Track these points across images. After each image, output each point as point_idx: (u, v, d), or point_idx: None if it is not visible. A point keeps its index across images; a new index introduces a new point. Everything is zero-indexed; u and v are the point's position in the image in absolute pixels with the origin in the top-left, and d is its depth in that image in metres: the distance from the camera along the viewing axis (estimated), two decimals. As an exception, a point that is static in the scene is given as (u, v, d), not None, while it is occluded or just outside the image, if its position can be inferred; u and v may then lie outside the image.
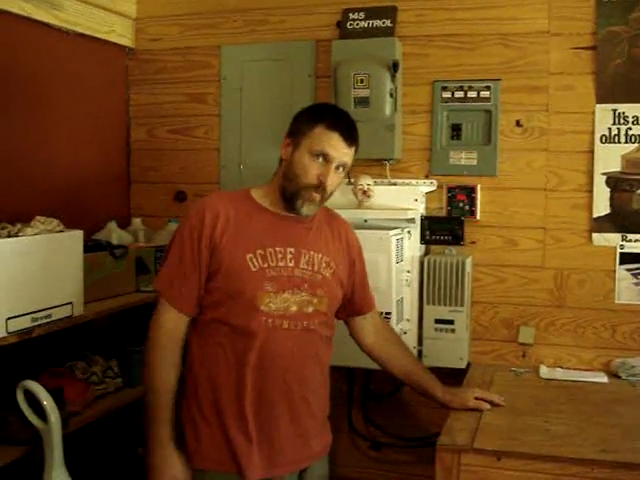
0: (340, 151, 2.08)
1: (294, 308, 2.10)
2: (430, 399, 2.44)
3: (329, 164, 2.08)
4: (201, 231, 2.07)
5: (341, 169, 2.12)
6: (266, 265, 2.08)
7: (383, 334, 2.44)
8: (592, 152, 2.87)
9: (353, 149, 2.15)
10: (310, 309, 2.13)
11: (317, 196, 2.10)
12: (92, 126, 3.32)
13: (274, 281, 2.08)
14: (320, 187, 2.08)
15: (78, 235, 2.59)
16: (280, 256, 2.10)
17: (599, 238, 2.89)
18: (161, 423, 2.06)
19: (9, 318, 2.27)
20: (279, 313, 2.07)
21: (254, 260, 2.07)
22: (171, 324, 2.10)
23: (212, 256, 2.07)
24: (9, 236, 2.32)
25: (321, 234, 2.22)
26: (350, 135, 2.12)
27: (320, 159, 2.07)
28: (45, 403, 2.32)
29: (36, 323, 2.39)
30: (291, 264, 2.11)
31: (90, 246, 2.83)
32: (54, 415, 2.32)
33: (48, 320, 2.44)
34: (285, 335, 2.09)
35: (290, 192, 2.10)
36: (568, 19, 2.88)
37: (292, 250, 2.12)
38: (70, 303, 2.54)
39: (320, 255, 2.18)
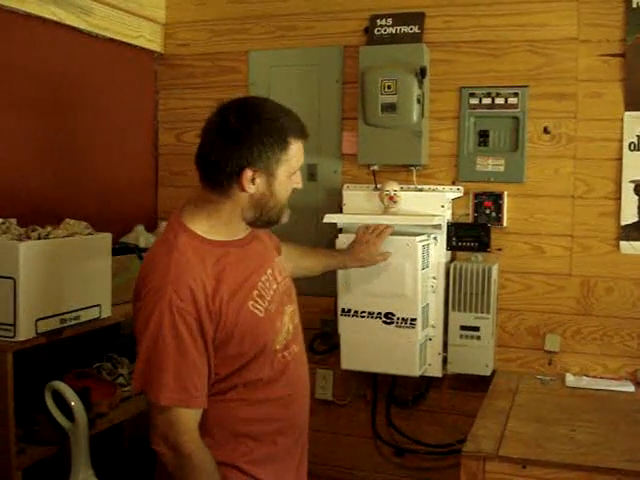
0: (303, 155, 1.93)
1: (291, 327, 2.01)
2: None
3: (299, 172, 1.94)
4: (198, 313, 1.76)
5: None
6: (266, 303, 1.92)
7: (294, 256, 2.36)
8: (620, 159, 2.85)
9: None
10: (296, 319, 2.06)
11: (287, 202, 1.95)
12: (121, 130, 3.35)
13: (277, 314, 1.96)
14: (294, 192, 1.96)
15: (107, 238, 2.62)
16: (268, 284, 1.95)
17: (627, 246, 2.87)
18: None
19: (38, 319, 2.30)
20: (285, 342, 1.98)
21: (257, 305, 1.89)
22: (195, 423, 1.80)
23: (217, 329, 1.80)
24: (39, 238, 2.35)
25: (260, 238, 2.06)
26: (307, 129, 1.93)
27: (297, 172, 1.93)
28: (73, 404, 2.35)
29: (65, 324, 2.42)
30: (274, 286, 1.98)
31: (118, 249, 2.86)
32: (81, 416, 2.35)
33: (76, 322, 2.47)
34: (296, 360, 2.02)
35: (271, 217, 1.90)
36: (597, 26, 2.87)
37: (270, 271, 1.98)
38: (98, 305, 2.57)
39: (276, 259, 2.09)
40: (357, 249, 2.67)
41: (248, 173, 1.80)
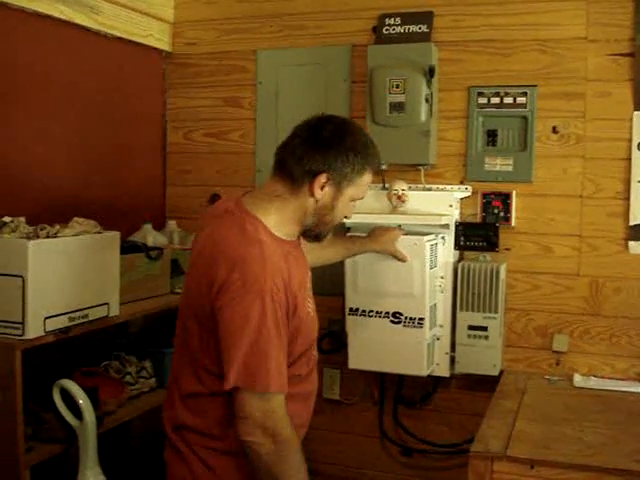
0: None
1: (315, 333, 2.07)
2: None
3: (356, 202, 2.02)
4: (287, 303, 1.83)
5: None
6: (310, 303, 2.00)
7: (315, 246, 2.30)
8: (629, 159, 2.84)
9: None
10: (317, 326, 2.09)
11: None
12: (129, 129, 3.36)
13: (314, 315, 2.04)
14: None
15: (115, 236, 2.63)
16: (309, 285, 2.04)
17: (635, 246, 2.86)
18: None
19: (47, 317, 2.31)
20: (315, 351, 2.08)
21: (307, 304, 1.97)
22: (284, 410, 1.82)
23: (290, 322, 1.86)
24: (48, 237, 2.35)
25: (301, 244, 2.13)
26: None
27: (353, 201, 2.00)
28: (81, 402, 2.35)
29: (73, 323, 2.42)
30: (309, 287, 2.05)
31: (126, 247, 2.86)
32: (89, 414, 2.35)
33: (85, 320, 2.47)
34: (316, 358, 2.11)
35: (320, 232, 1.99)
36: (606, 25, 2.86)
37: (309, 273, 2.07)
38: (106, 304, 2.57)
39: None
40: (378, 232, 2.70)
41: (322, 178, 1.87)
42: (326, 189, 1.89)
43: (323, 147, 1.88)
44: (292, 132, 1.95)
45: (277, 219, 1.91)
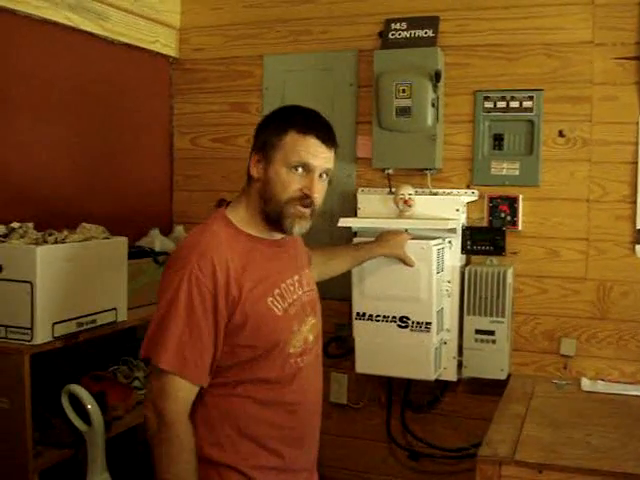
0: (320, 156, 1.87)
1: (310, 338, 2.01)
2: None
3: (311, 173, 1.87)
4: (215, 289, 1.78)
5: (325, 176, 1.91)
6: (287, 304, 1.93)
7: (318, 262, 2.38)
8: (636, 163, 2.84)
9: (333, 151, 1.93)
10: (316, 332, 2.05)
11: (306, 211, 1.89)
12: (136, 135, 3.37)
13: (296, 318, 1.95)
14: (307, 200, 1.87)
15: (123, 242, 2.64)
16: (292, 288, 1.97)
17: (643, 250, 2.86)
18: None
19: (55, 323, 2.32)
20: (301, 349, 1.96)
21: (276, 303, 1.90)
22: (187, 397, 1.81)
23: (233, 314, 1.82)
24: (56, 242, 2.36)
25: (296, 247, 2.11)
26: (328, 136, 1.90)
27: (300, 170, 1.86)
28: (89, 407, 2.36)
29: (81, 328, 2.43)
30: (299, 292, 1.99)
31: (133, 252, 2.87)
32: (98, 419, 2.36)
33: (93, 325, 2.48)
34: (309, 369, 2.00)
35: (275, 214, 1.88)
36: (612, 29, 2.86)
37: (297, 277, 2.01)
38: (114, 309, 2.58)
39: (307, 270, 2.12)
40: (385, 237, 2.71)
41: (254, 157, 1.91)
42: (259, 165, 1.89)
43: (255, 132, 1.96)
44: None
45: (244, 214, 1.93)
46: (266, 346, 1.88)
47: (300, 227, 1.92)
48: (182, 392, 1.79)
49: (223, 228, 1.89)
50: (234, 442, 1.88)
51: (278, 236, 1.97)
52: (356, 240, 2.83)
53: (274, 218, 1.90)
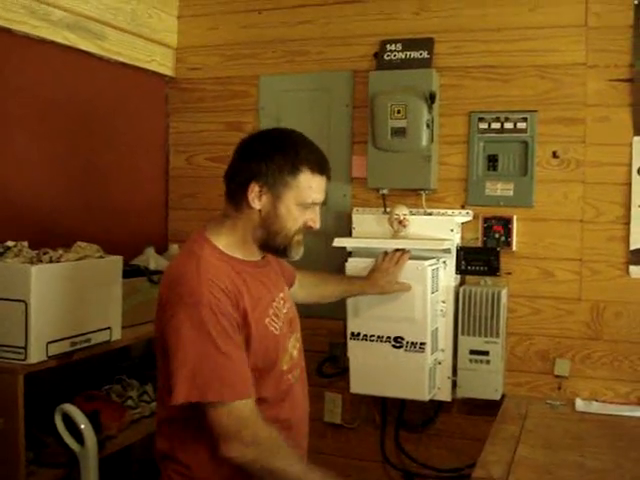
0: (324, 191, 1.95)
1: (295, 353, 2.04)
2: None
3: (316, 207, 1.95)
4: (226, 312, 1.78)
5: None
6: (281, 323, 1.96)
7: (307, 283, 2.41)
8: (629, 184, 2.85)
9: None
10: (299, 347, 2.08)
11: (302, 237, 1.97)
12: (132, 153, 3.38)
13: (287, 336, 2.00)
14: (309, 230, 1.97)
15: (118, 261, 2.64)
16: (280, 306, 1.99)
17: (636, 270, 2.86)
18: None
19: (49, 342, 2.32)
20: (290, 365, 2.00)
21: (273, 323, 1.93)
22: (252, 413, 1.79)
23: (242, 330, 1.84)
24: (51, 261, 2.36)
25: (275, 264, 2.11)
26: (329, 171, 1.96)
27: (308, 207, 1.93)
28: (82, 427, 2.35)
29: (75, 347, 2.43)
30: (284, 309, 2.02)
31: (128, 271, 2.87)
32: (91, 439, 2.35)
33: (87, 345, 2.48)
34: (297, 385, 2.04)
35: (278, 245, 1.92)
36: (605, 51, 2.88)
37: (282, 295, 2.04)
38: (109, 328, 2.58)
39: (286, 288, 2.14)
40: (376, 277, 2.70)
41: (255, 187, 1.86)
42: (263, 197, 1.87)
43: (249, 157, 1.89)
44: None
45: (228, 239, 1.91)
46: (266, 366, 1.90)
47: (298, 253, 1.97)
48: (251, 409, 1.78)
49: (212, 254, 1.87)
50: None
51: (258, 257, 1.99)
52: (351, 260, 2.84)
53: (279, 248, 1.93)
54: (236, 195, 1.89)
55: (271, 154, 1.87)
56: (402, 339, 2.76)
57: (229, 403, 1.74)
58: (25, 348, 2.25)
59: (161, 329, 1.81)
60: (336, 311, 2.99)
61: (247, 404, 1.76)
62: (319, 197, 1.93)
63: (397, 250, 2.76)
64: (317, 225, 1.96)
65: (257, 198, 1.86)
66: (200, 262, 1.82)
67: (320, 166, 1.92)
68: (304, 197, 1.89)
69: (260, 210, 1.88)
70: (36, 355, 2.27)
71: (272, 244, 1.93)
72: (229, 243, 1.91)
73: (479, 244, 3.04)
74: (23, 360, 2.25)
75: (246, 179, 1.86)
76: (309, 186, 1.89)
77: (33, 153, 2.83)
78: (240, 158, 1.92)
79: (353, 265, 2.81)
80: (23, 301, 2.24)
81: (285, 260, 2.05)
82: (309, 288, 2.44)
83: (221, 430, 1.74)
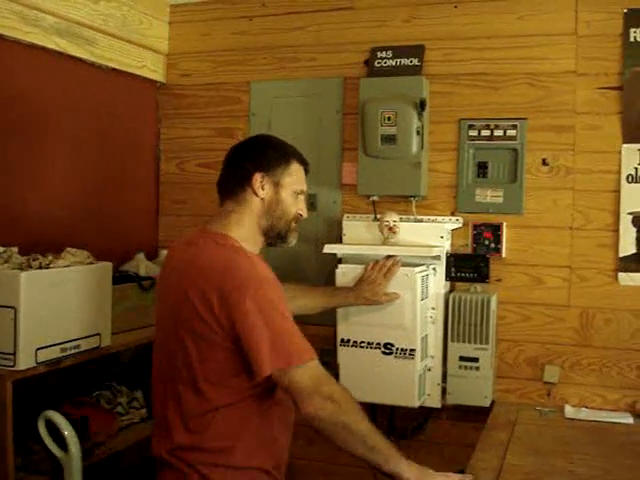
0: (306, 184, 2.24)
1: None
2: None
3: (302, 197, 2.22)
4: (277, 286, 2.02)
5: None
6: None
7: (288, 295, 2.38)
8: (618, 192, 2.87)
9: None
10: None
11: (297, 226, 2.22)
12: (123, 159, 3.38)
13: None
14: (300, 218, 2.22)
15: (107, 267, 2.64)
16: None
17: (625, 277, 2.88)
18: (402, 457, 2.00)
19: (39, 348, 2.31)
20: None
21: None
22: (323, 370, 1.97)
23: None
24: (40, 267, 2.36)
25: None
26: (308, 167, 2.27)
27: (299, 196, 2.20)
28: (66, 433, 2.33)
29: (65, 354, 2.43)
30: None
31: (118, 277, 2.87)
32: (74, 445, 2.33)
33: (77, 351, 2.48)
34: None
35: (280, 230, 2.16)
36: (595, 59, 2.90)
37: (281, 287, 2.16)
38: (98, 334, 2.58)
39: None
40: (362, 288, 2.72)
41: (257, 177, 2.10)
42: (265, 186, 2.12)
43: (246, 155, 2.16)
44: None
45: (239, 233, 2.09)
46: None
47: (295, 238, 2.23)
48: (322, 368, 1.95)
49: (236, 244, 2.05)
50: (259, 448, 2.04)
51: (258, 251, 2.18)
52: (341, 267, 2.84)
53: (280, 233, 2.17)
54: (238, 191, 2.12)
55: (264, 150, 2.16)
56: (392, 346, 2.76)
57: (306, 364, 1.91)
58: (14, 354, 2.25)
59: (218, 318, 1.91)
60: (326, 317, 2.98)
61: (318, 364, 1.95)
62: (305, 187, 2.22)
63: (388, 257, 2.77)
64: (305, 214, 2.23)
65: (261, 187, 2.11)
66: (237, 249, 2.03)
67: (303, 159, 2.22)
68: (296, 184, 2.17)
69: (263, 199, 2.11)
70: (25, 361, 2.27)
71: (275, 229, 2.15)
72: (242, 236, 2.09)
73: (469, 251, 3.04)
74: (12, 366, 2.25)
75: (249, 172, 2.11)
76: (299, 174, 2.19)
77: (22, 158, 2.82)
78: (236, 160, 2.17)
79: (343, 272, 2.82)
80: (12, 307, 2.24)
81: (283, 247, 2.22)
82: (290, 300, 2.43)
83: (303, 389, 1.89)
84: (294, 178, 2.17)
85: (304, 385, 1.89)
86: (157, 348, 2.12)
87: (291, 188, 2.15)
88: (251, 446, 2.01)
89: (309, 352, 1.93)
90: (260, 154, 2.15)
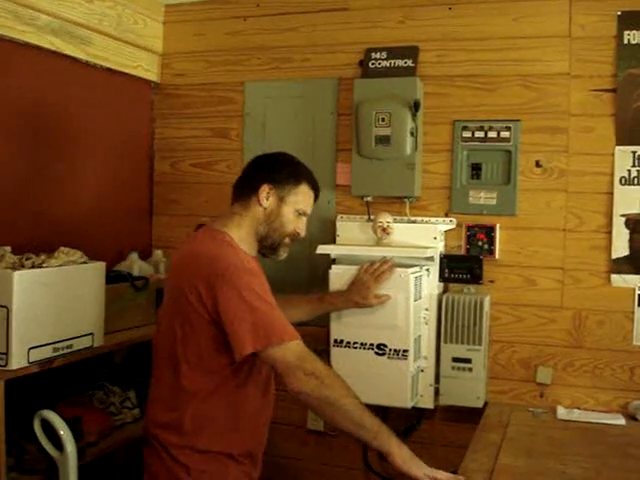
0: (312, 207, 2.41)
1: None
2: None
3: (304, 217, 2.37)
4: (261, 275, 2.18)
5: None
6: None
7: (288, 308, 2.52)
8: (611, 194, 2.87)
9: None
10: None
11: (290, 243, 2.37)
12: (117, 158, 3.37)
13: None
14: (296, 237, 2.37)
15: (100, 267, 2.64)
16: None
17: (618, 279, 2.88)
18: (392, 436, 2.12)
19: (31, 348, 2.31)
20: None
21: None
22: (308, 349, 2.10)
23: None
24: (33, 267, 2.35)
25: None
26: (319, 193, 2.43)
27: (301, 216, 2.35)
28: (62, 433, 2.34)
29: (57, 353, 2.42)
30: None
31: (111, 277, 2.86)
32: (70, 445, 2.34)
33: (69, 350, 2.47)
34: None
35: (273, 241, 2.32)
36: (588, 61, 2.90)
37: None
38: (91, 334, 2.57)
39: None
40: (352, 290, 2.75)
41: (265, 188, 2.28)
42: (270, 198, 2.28)
43: (262, 167, 2.35)
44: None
45: (237, 234, 2.25)
46: None
47: (286, 253, 2.38)
48: (306, 348, 2.08)
49: (231, 241, 2.21)
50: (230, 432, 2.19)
51: (254, 254, 2.33)
52: (334, 268, 2.85)
53: (273, 245, 2.32)
54: (246, 196, 2.30)
55: (280, 166, 2.34)
56: (385, 346, 2.76)
57: (287, 343, 2.03)
58: (6, 354, 2.24)
59: (205, 304, 2.07)
60: (320, 317, 2.98)
61: (300, 344, 2.07)
62: (309, 209, 2.37)
63: (385, 261, 2.76)
64: (303, 233, 2.38)
65: (265, 198, 2.28)
66: (228, 243, 2.19)
67: (315, 185, 2.39)
68: (300, 204, 2.33)
69: (265, 208, 2.28)
70: (17, 361, 2.26)
71: (269, 239, 2.30)
72: (240, 237, 2.25)
73: (462, 252, 3.05)
74: (4, 366, 2.24)
75: (259, 181, 2.28)
76: (306, 197, 2.35)
77: (16, 157, 2.82)
78: (253, 168, 2.37)
79: (336, 272, 2.82)
80: (5, 307, 2.23)
81: (272, 258, 2.37)
82: None
83: (286, 365, 2.03)
84: (300, 198, 2.33)
85: (286, 362, 2.03)
86: (154, 335, 2.30)
87: (294, 206, 2.32)
88: (218, 431, 2.16)
89: (290, 334, 2.05)
90: (275, 168, 2.32)
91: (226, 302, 2.04)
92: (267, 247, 2.33)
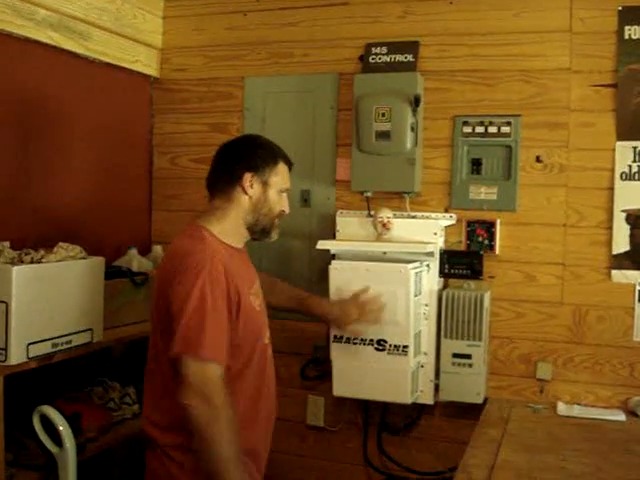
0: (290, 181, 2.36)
1: (268, 333, 2.31)
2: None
3: (285, 195, 2.33)
4: (227, 287, 2.06)
5: None
6: (259, 302, 2.26)
7: (265, 291, 2.45)
8: (612, 189, 2.87)
9: None
10: (269, 333, 2.33)
11: (279, 222, 2.33)
12: (116, 154, 3.36)
13: (265, 313, 2.32)
14: (283, 215, 2.33)
15: (100, 262, 2.63)
16: (258, 287, 2.30)
17: (618, 275, 2.88)
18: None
19: (30, 343, 2.30)
20: (269, 341, 2.31)
21: (254, 300, 2.22)
22: (223, 381, 2.00)
23: (232, 309, 2.09)
24: (32, 262, 2.35)
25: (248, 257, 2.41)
26: (292, 165, 2.37)
27: (284, 194, 2.31)
28: (61, 429, 2.34)
29: (56, 349, 2.42)
30: (261, 293, 2.32)
31: (111, 272, 2.86)
32: (69, 441, 2.34)
33: (68, 346, 2.47)
34: (271, 360, 2.33)
35: (264, 225, 2.27)
36: (589, 57, 2.90)
37: (257, 282, 2.32)
38: (90, 329, 2.57)
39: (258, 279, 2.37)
40: (333, 312, 2.70)
41: (247, 176, 2.21)
42: (254, 185, 2.22)
43: (236, 156, 2.26)
44: (211, 164, 2.31)
45: (221, 227, 2.20)
46: (251, 336, 2.18)
47: (278, 233, 2.34)
48: (221, 377, 1.99)
49: (207, 236, 2.15)
50: None
51: (241, 245, 2.30)
52: (334, 263, 2.84)
53: (265, 229, 2.28)
54: (228, 188, 2.22)
55: (254, 150, 2.27)
56: (385, 342, 2.76)
57: (204, 362, 1.96)
58: (5, 349, 2.23)
59: (165, 297, 2.05)
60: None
61: (217, 369, 1.98)
62: (289, 185, 2.33)
63: (375, 297, 2.70)
64: (288, 210, 2.34)
65: (250, 186, 2.21)
66: (205, 241, 2.12)
67: (288, 159, 2.33)
68: (282, 183, 2.29)
69: (251, 197, 2.22)
70: (17, 356, 2.26)
71: (260, 225, 2.26)
72: (221, 230, 2.20)
73: (462, 247, 3.04)
74: (3, 361, 2.24)
75: (239, 171, 2.21)
76: (285, 174, 2.30)
77: (15, 152, 2.81)
78: (227, 158, 2.27)
79: (336, 268, 2.81)
80: (4, 302, 2.22)
81: (266, 241, 2.34)
82: (266, 297, 2.46)
83: (190, 379, 1.95)
84: (280, 177, 2.28)
85: (191, 377, 1.95)
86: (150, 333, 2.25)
87: (277, 187, 2.27)
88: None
89: (212, 352, 1.97)
90: (250, 154, 2.25)
91: (176, 299, 2.01)
92: (259, 232, 2.29)
